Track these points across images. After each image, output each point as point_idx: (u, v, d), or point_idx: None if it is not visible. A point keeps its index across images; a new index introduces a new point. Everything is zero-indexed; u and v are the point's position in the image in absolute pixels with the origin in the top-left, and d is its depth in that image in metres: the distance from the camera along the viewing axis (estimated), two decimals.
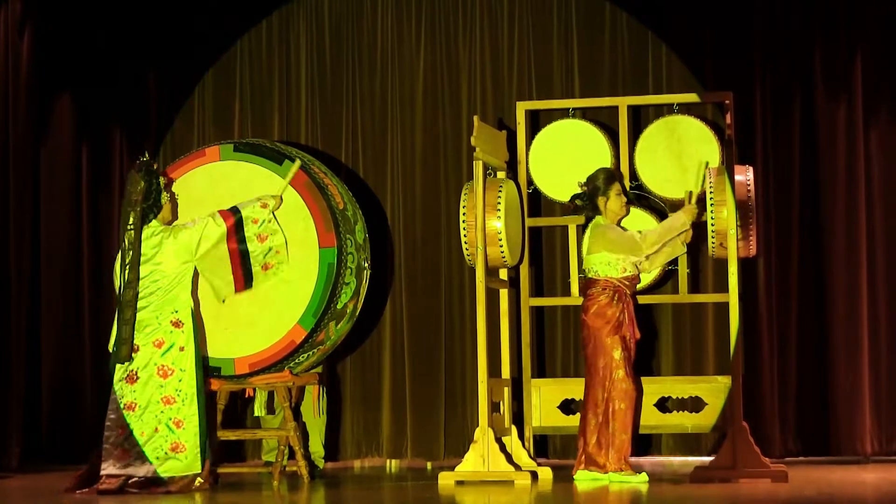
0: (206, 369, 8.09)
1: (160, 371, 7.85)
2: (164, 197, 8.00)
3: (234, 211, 8.02)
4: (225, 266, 7.99)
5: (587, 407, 8.12)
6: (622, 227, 8.29)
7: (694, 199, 8.35)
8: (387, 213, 9.75)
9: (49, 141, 9.92)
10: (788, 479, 7.92)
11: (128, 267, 7.87)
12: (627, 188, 8.69)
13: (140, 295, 7.88)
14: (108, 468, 7.77)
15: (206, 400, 7.98)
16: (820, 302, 9.27)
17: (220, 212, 8.00)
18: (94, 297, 9.84)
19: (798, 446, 9.24)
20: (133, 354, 7.85)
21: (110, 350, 8.01)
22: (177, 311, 7.92)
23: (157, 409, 7.81)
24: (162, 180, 8.01)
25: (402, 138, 9.80)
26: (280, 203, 8.09)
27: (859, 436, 9.11)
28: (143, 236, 7.90)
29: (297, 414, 8.67)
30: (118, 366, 7.88)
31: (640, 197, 8.79)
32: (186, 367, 7.86)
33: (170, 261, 7.92)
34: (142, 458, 7.76)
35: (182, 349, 7.88)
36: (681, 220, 8.26)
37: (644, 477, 8.05)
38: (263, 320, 8.13)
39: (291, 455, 8.48)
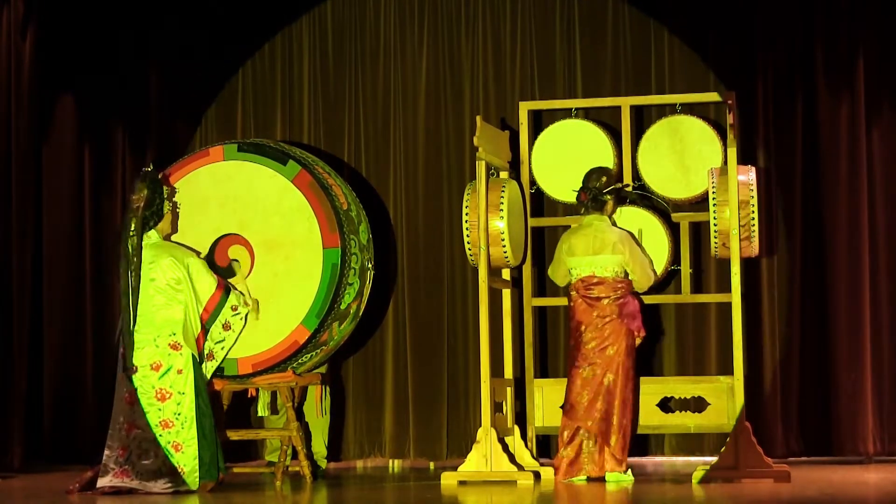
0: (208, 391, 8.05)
1: (158, 394, 7.75)
2: (167, 206, 7.97)
3: (228, 287, 7.99)
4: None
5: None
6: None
7: None
8: (389, 214, 9.76)
9: (51, 140, 9.93)
10: (791, 480, 7.92)
11: (132, 273, 7.83)
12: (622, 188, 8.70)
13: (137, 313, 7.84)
14: (104, 483, 7.71)
15: (213, 416, 7.90)
16: (822, 301, 9.28)
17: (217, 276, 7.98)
18: (95, 296, 9.84)
19: (800, 446, 9.25)
20: (132, 375, 7.81)
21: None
22: (174, 334, 7.83)
23: (156, 432, 7.72)
24: (166, 190, 7.99)
25: (405, 138, 9.81)
26: (257, 307, 8.09)
27: (862, 436, 9.11)
28: (143, 244, 7.87)
29: (299, 414, 8.67)
30: (118, 382, 7.83)
31: (643, 197, 8.79)
32: (186, 391, 7.77)
33: (165, 275, 7.86)
34: (140, 478, 7.69)
35: (180, 372, 7.78)
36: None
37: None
38: (267, 321, 8.13)
39: (294, 455, 8.47)
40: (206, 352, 7.95)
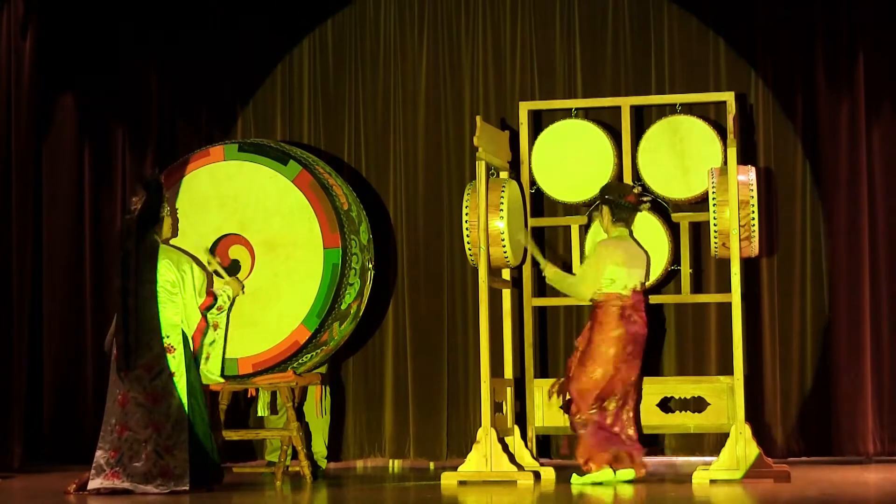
0: (204, 392, 8.04)
1: (149, 396, 7.77)
2: (165, 210, 7.96)
3: (215, 295, 8.00)
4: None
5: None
6: (632, 243, 8.27)
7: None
8: (390, 214, 9.76)
9: (51, 140, 9.93)
10: (791, 479, 7.93)
11: (129, 276, 7.82)
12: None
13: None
14: (94, 485, 7.71)
15: (209, 420, 7.89)
16: (822, 301, 9.28)
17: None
18: (95, 296, 9.84)
19: (800, 446, 9.25)
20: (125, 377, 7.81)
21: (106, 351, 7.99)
22: (168, 337, 7.83)
23: (146, 434, 7.71)
24: (165, 194, 7.99)
25: (405, 138, 9.81)
26: (241, 286, 8.14)
27: (861, 436, 9.11)
28: (139, 250, 7.86)
29: (300, 414, 8.67)
30: (111, 383, 7.83)
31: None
32: (178, 393, 7.77)
33: (161, 277, 7.82)
34: (131, 479, 7.68)
35: (173, 374, 7.78)
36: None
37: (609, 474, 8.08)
38: (267, 320, 8.14)
39: (294, 455, 8.48)
40: (202, 354, 7.96)
